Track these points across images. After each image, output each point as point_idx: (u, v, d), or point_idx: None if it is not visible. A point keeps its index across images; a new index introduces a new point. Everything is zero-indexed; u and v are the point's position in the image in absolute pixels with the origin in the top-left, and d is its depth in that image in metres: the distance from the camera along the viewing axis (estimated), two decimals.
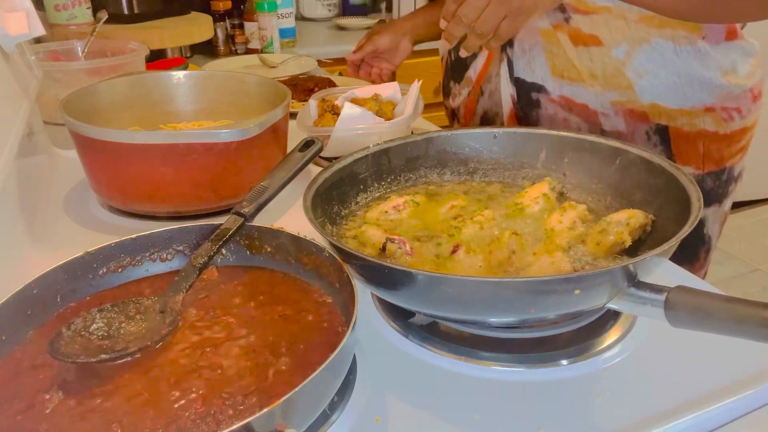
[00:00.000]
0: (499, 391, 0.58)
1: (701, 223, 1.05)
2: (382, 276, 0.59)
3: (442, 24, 0.90)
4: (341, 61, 2.17)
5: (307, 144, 0.75)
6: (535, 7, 0.87)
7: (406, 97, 1.10)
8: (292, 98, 1.10)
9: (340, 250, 0.60)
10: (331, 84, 1.43)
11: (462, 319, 0.64)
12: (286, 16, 2.19)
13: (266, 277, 0.65)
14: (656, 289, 0.52)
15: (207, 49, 2.12)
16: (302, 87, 1.42)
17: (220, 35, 2.13)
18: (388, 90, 1.15)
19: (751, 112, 1.01)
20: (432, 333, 0.65)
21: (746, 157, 1.07)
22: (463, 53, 0.93)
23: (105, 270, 0.64)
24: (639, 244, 0.68)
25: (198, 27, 1.82)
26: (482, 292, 0.55)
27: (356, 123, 1.00)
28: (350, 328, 0.50)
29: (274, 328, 0.57)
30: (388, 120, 1.05)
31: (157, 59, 1.70)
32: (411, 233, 0.72)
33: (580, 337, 0.64)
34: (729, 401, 0.56)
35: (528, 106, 1.04)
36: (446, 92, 1.22)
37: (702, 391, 0.57)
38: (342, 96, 1.12)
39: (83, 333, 0.55)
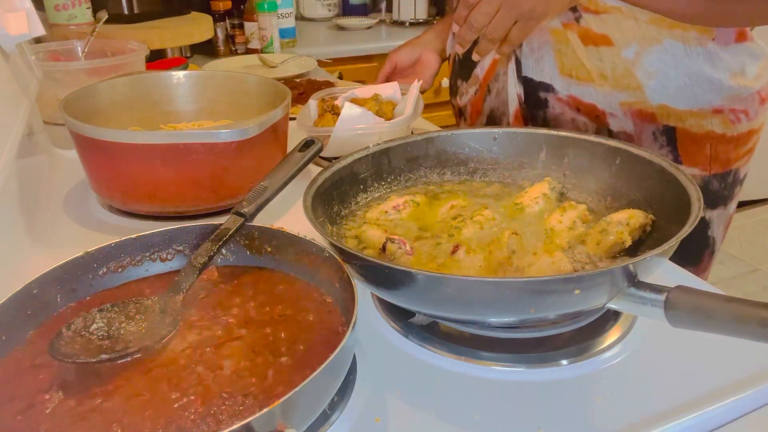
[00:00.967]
0: (499, 391, 0.58)
1: (706, 226, 1.05)
2: (382, 276, 0.59)
3: (455, 28, 0.91)
4: (341, 61, 2.19)
5: (307, 144, 0.74)
6: (546, 12, 0.87)
7: (406, 97, 1.09)
8: None
9: (340, 250, 0.60)
10: (321, 87, 1.42)
11: (462, 319, 0.64)
12: (286, 16, 2.19)
13: (266, 277, 0.65)
14: (656, 289, 0.52)
15: (207, 49, 2.12)
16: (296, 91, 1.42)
17: (220, 35, 2.13)
18: (388, 90, 1.15)
19: (759, 114, 1.01)
20: (432, 333, 0.65)
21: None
22: (475, 57, 0.94)
23: (105, 270, 0.64)
24: (639, 244, 0.68)
25: (198, 27, 1.82)
26: (482, 292, 0.55)
27: (356, 123, 1.00)
28: (350, 328, 0.50)
29: (274, 328, 0.57)
30: (388, 120, 1.05)
31: (157, 59, 1.70)
32: (411, 233, 0.72)
33: (580, 337, 0.64)
34: (729, 401, 0.56)
35: (535, 105, 1.04)
36: (453, 90, 1.21)
37: (702, 391, 0.57)
38: (342, 96, 1.12)
39: (83, 333, 0.55)
